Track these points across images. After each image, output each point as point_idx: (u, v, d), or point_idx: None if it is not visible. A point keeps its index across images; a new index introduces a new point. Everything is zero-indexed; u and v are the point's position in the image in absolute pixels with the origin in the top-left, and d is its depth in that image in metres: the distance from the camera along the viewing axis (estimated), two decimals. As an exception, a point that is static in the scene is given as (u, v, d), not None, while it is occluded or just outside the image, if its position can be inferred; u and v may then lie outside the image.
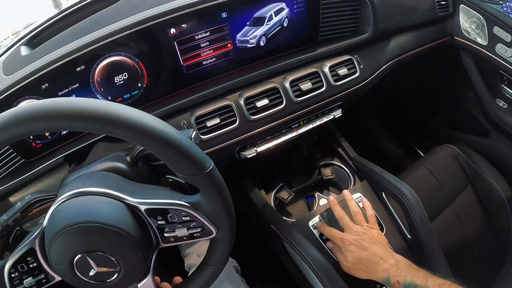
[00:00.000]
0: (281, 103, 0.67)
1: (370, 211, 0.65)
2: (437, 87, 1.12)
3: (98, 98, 0.58)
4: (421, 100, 1.22)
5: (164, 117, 0.61)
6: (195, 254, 0.78)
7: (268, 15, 0.64)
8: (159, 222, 0.40)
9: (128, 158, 0.51)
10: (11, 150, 0.56)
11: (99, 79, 0.56)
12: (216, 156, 0.62)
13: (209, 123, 0.62)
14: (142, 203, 0.39)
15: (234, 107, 0.63)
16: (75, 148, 0.59)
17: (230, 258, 0.67)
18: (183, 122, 0.61)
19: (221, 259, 0.44)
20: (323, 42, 0.74)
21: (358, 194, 0.75)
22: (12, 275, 0.40)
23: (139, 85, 0.60)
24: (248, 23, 0.63)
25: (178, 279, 0.52)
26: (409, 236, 0.69)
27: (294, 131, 0.73)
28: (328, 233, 0.64)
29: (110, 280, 0.40)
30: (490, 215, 0.85)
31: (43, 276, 0.41)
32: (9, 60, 0.61)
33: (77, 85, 0.55)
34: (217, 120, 0.62)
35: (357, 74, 0.75)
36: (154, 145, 0.33)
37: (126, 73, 0.58)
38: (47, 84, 0.53)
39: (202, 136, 0.61)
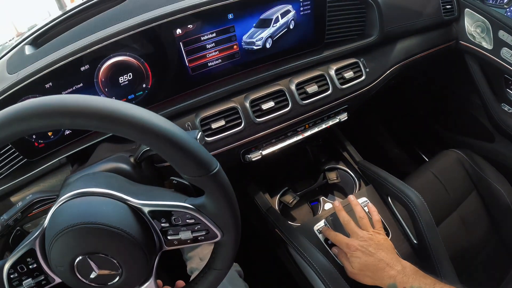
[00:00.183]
0: (287, 105, 0.66)
1: (376, 216, 0.64)
2: (442, 91, 1.12)
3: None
4: (425, 105, 1.22)
5: (169, 119, 0.59)
6: (197, 258, 0.77)
7: (274, 17, 0.63)
8: (162, 225, 0.39)
9: (131, 159, 0.51)
10: (13, 150, 0.55)
11: (103, 79, 0.56)
12: (221, 158, 0.61)
13: (214, 125, 0.61)
14: (146, 205, 0.39)
15: (239, 109, 0.63)
16: (78, 149, 0.58)
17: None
18: (187, 124, 0.60)
19: (225, 263, 0.44)
20: (329, 45, 0.73)
21: (364, 199, 0.74)
22: (11, 276, 0.39)
23: (144, 85, 0.59)
24: (254, 24, 0.63)
25: (180, 283, 0.51)
26: (415, 241, 0.69)
27: (300, 134, 0.72)
28: (334, 238, 0.63)
29: (112, 283, 0.39)
30: (495, 220, 0.84)
31: (42, 277, 0.40)
32: (13, 59, 0.60)
33: (81, 84, 0.55)
34: (222, 122, 0.61)
35: (363, 77, 0.74)
36: (160, 145, 0.32)
37: (131, 74, 0.57)
38: (51, 83, 0.53)
39: (206, 138, 0.61)
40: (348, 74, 0.72)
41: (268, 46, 0.66)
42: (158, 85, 0.60)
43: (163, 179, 0.62)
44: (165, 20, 0.55)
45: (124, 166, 0.49)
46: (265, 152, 0.69)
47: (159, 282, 0.47)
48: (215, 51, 0.61)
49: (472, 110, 1.03)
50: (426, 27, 0.85)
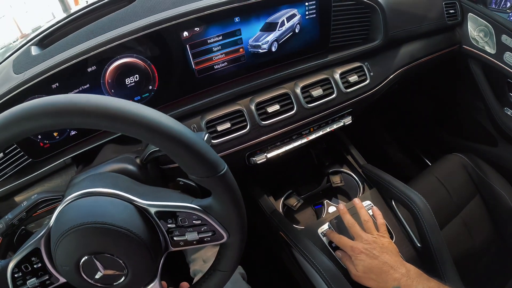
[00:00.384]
0: (292, 109, 0.67)
1: (381, 220, 0.64)
2: (445, 95, 1.13)
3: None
4: (429, 109, 1.22)
5: (175, 120, 0.60)
6: (200, 260, 0.77)
7: (280, 21, 0.64)
8: (169, 226, 0.39)
9: (137, 161, 0.51)
10: (18, 150, 0.55)
11: (110, 80, 0.56)
12: (226, 161, 0.61)
13: (219, 128, 0.61)
14: (152, 205, 0.39)
15: (245, 112, 0.63)
16: (84, 150, 0.58)
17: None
18: (193, 126, 0.61)
19: (230, 265, 0.43)
20: (334, 49, 0.74)
21: (368, 202, 0.74)
22: (16, 275, 0.39)
23: (150, 87, 0.59)
24: (260, 28, 0.63)
25: (185, 285, 0.51)
26: (418, 245, 0.69)
27: (305, 137, 0.72)
28: (338, 241, 0.63)
29: (117, 283, 0.39)
30: (498, 224, 0.84)
31: (47, 277, 0.40)
32: (20, 59, 0.60)
33: (88, 85, 0.55)
34: (227, 125, 0.62)
35: (367, 81, 0.75)
36: (169, 146, 0.33)
37: (137, 75, 0.57)
38: (57, 84, 0.53)
39: (212, 141, 0.61)
40: (353, 78, 0.72)
41: (273, 49, 0.66)
42: (164, 87, 0.60)
43: (168, 180, 0.62)
44: (173, 23, 0.55)
45: (130, 167, 0.49)
46: (270, 155, 0.69)
47: (164, 283, 0.47)
48: (221, 54, 0.62)
49: (475, 114, 1.03)
50: (430, 32, 0.86)
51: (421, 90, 1.19)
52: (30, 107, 0.29)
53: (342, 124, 0.75)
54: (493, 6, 0.82)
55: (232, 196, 0.37)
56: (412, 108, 1.27)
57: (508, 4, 0.79)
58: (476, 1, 0.86)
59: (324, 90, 0.69)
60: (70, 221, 0.36)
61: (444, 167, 0.88)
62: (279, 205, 0.80)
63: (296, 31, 0.67)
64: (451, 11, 0.88)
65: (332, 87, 0.70)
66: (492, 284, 0.79)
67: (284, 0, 0.62)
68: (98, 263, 0.37)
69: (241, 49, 0.63)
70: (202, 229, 0.39)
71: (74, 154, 0.58)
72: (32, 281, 0.39)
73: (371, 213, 0.67)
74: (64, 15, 0.79)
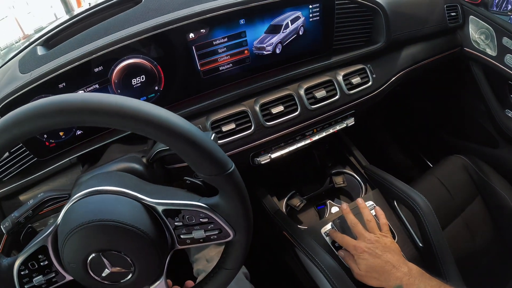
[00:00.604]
0: (295, 110, 0.67)
1: (384, 220, 0.65)
2: (447, 97, 1.13)
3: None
4: (430, 111, 1.23)
5: (180, 121, 0.61)
6: (204, 260, 0.78)
7: (284, 23, 0.64)
8: (176, 224, 0.40)
9: (144, 160, 0.51)
10: (24, 149, 0.56)
11: (116, 81, 0.57)
12: (230, 161, 0.62)
13: (224, 128, 0.62)
14: (160, 204, 0.39)
15: (249, 113, 0.64)
16: (89, 149, 0.59)
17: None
18: (199, 126, 0.61)
19: (236, 263, 0.44)
20: (337, 51, 0.74)
21: (370, 202, 0.75)
22: (22, 273, 0.39)
23: (156, 88, 0.60)
24: (265, 30, 0.64)
25: (190, 283, 0.51)
26: (420, 245, 0.69)
27: (308, 138, 0.73)
28: (341, 240, 0.64)
29: (124, 280, 0.39)
30: (499, 224, 0.85)
31: (53, 274, 0.40)
32: (26, 59, 0.61)
33: (94, 85, 0.56)
34: (232, 125, 0.62)
35: (370, 83, 0.75)
36: (178, 144, 0.33)
37: (143, 76, 0.58)
38: (64, 83, 0.54)
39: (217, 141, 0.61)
40: (356, 80, 0.73)
41: (278, 51, 0.67)
42: (170, 88, 0.61)
43: (172, 180, 0.63)
44: (179, 24, 0.56)
45: (137, 166, 0.50)
46: (274, 155, 0.70)
47: (169, 281, 0.47)
48: (226, 56, 0.62)
49: (477, 116, 1.04)
50: (431, 34, 0.87)
51: (423, 92, 1.20)
52: (44, 104, 0.30)
53: (345, 125, 0.76)
54: (495, 8, 0.83)
55: (239, 194, 0.38)
56: (414, 109, 1.28)
57: (509, 7, 0.80)
58: (477, 3, 0.87)
59: (327, 92, 0.70)
60: (79, 219, 0.36)
61: (446, 168, 0.89)
62: (282, 205, 0.81)
63: (300, 33, 0.67)
64: (452, 14, 0.89)
65: (335, 89, 0.71)
66: (494, 284, 0.79)
67: (288, 3, 0.63)
68: (105, 261, 0.37)
69: (246, 51, 0.64)
70: (209, 227, 0.40)
71: (79, 153, 0.58)
72: (38, 278, 0.40)
73: (373, 213, 0.67)
74: (67, 16, 0.79)
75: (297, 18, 0.66)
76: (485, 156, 0.96)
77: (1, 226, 0.43)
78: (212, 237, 0.40)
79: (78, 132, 0.59)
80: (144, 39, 0.55)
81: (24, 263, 0.39)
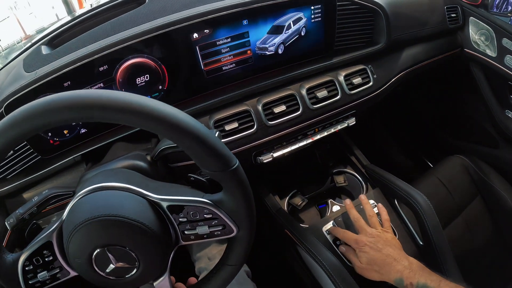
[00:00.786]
0: (297, 109, 0.68)
1: (385, 216, 0.66)
2: (447, 98, 1.14)
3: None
4: (431, 111, 1.23)
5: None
6: (206, 258, 0.78)
7: (287, 24, 0.65)
8: (180, 219, 0.40)
9: (148, 157, 0.52)
10: (28, 147, 0.56)
11: (121, 80, 0.57)
12: (233, 160, 0.63)
13: (227, 127, 0.62)
14: (165, 200, 0.40)
15: (252, 112, 0.64)
16: (93, 147, 0.59)
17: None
18: (202, 125, 0.62)
19: (239, 259, 0.44)
20: (338, 52, 0.75)
21: (371, 201, 0.75)
22: (27, 268, 0.40)
23: (160, 87, 0.61)
24: (267, 31, 0.64)
25: (193, 280, 0.51)
26: (421, 243, 0.70)
27: (309, 137, 0.74)
28: (342, 235, 0.64)
29: (128, 276, 0.39)
30: (499, 224, 0.85)
31: (58, 270, 0.41)
32: (30, 58, 0.62)
33: (99, 84, 0.56)
34: (235, 124, 0.63)
35: (371, 83, 0.76)
36: (185, 140, 0.34)
37: (148, 75, 0.59)
38: (69, 82, 0.54)
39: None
40: (357, 80, 0.74)
41: (280, 52, 0.67)
42: (174, 87, 0.61)
43: (176, 178, 0.63)
44: (183, 25, 0.56)
45: (141, 163, 0.51)
46: (276, 154, 0.70)
47: (172, 278, 0.48)
48: (229, 56, 0.63)
49: (477, 117, 1.04)
50: (432, 35, 0.87)
51: (424, 92, 1.20)
52: (56, 99, 0.31)
53: (346, 125, 0.77)
54: (495, 10, 0.83)
55: (243, 190, 0.38)
56: (415, 110, 1.28)
57: (510, 8, 0.80)
58: (477, 5, 0.87)
59: (328, 92, 0.71)
60: (85, 214, 0.37)
61: (446, 168, 0.89)
62: (284, 204, 0.81)
63: (302, 34, 0.68)
64: (452, 15, 0.89)
65: (336, 89, 0.72)
66: (494, 283, 0.80)
67: (291, 4, 0.63)
68: (110, 256, 0.37)
69: (248, 51, 0.65)
70: (213, 223, 0.40)
71: (83, 151, 0.59)
72: (42, 274, 0.40)
73: (376, 211, 0.68)
74: (68, 17, 0.80)
75: (299, 19, 0.66)
76: (485, 156, 0.96)
77: (6, 222, 0.43)
78: (215, 233, 0.41)
79: (82, 131, 0.59)
80: (149, 39, 0.55)
81: (28, 259, 0.40)
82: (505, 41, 0.82)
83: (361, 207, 0.68)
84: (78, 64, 0.53)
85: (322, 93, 0.69)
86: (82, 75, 0.54)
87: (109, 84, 0.57)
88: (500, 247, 0.84)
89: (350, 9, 0.72)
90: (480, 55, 0.89)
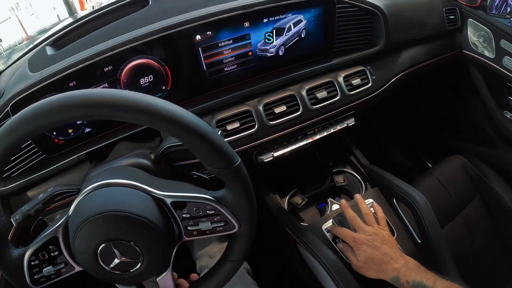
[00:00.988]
0: (298, 110, 0.69)
1: (381, 214, 0.67)
2: (446, 99, 1.15)
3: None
4: (430, 112, 1.24)
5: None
6: (207, 256, 0.79)
7: (287, 26, 0.66)
8: (184, 215, 0.41)
9: (152, 156, 0.53)
10: (33, 145, 0.57)
11: (125, 80, 0.58)
12: (234, 159, 0.64)
13: (229, 127, 0.64)
14: (169, 196, 0.41)
15: (253, 112, 0.65)
16: (98, 146, 0.60)
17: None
18: (204, 125, 0.63)
19: (240, 255, 0.45)
20: (337, 53, 0.76)
21: (370, 200, 0.76)
22: (32, 263, 0.40)
23: (163, 87, 0.62)
24: (268, 33, 0.65)
25: (194, 276, 0.52)
26: (419, 241, 0.71)
27: (309, 137, 0.75)
28: (340, 233, 0.65)
29: (132, 270, 0.40)
30: (498, 224, 0.86)
31: (63, 265, 0.42)
32: (35, 59, 0.63)
33: (104, 84, 0.57)
34: (236, 124, 0.64)
35: (370, 84, 0.77)
36: (190, 138, 0.35)
37: (151, 76, 0.60)
38: (74, 82, 0.55)
39: (222, 138, 0.63)
40: (356, 81, 0.75)
41: (280, 53, 0.69)
42: (177, 87, 0.63)
43: (178, 177, 0.64)
44: (186, 27, 0.58)
45: (145, 161, 0.52)
46: (276, 153, 0.71)
47: (174, 274, 0.48)
48: (231, 57, 0.64)
49: (475, 117, 1.05)
50: (430, 37, 0.88)
51: (423, 93, 1.21)
52: (64, 98, 0.32)
53: (345, 125, 0.78)
54: (494, 11, 0.84)
55: (244, 187, 0.39)
56: (414, 110, 1.29)
57: (509, 9, 0.80)
58: (475, 7, 0.88)
59: (328, 93, 0.72)
60: (91, 210, 0.38)
61: (445, 168, 0.90)
62: (284, 203, 0.82)
63: (302, 36, 0.69)
64: (451, 17, 0.90)
65: (336, 90, 0.73)
66: (492, 283, 0.80)
67: (291, 7, 0.64)
68: (115, 250, 0.38)
69: (250, 53, 0.66)
70: (215, 219, 0.41)
71: (88, 150, 0.60)
72: (48, 269, 0.41)
73: (372, 210, 0.69)
74: (70, 18, 0.81)
75: (300, 21, 0.67)
76: (484, 156, 0.97)
77: (12, 219, 0.44)
78: (218, 229, 0.42)
79: (87, 130, 0.60)
80: (153, 41, 0.57)
81: (34, 254, 0.40)
82: (503, 43, 0.83)
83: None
84: (84, 64, 0.54)
85: (321, 94, 0.71)
86: (87, 75, 0.56)
87: (114, 84, 0.58)
88: (498, 246, 0.84)
89: (349, 11, 0.73)
90: (478, 56, 0.90)
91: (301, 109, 0.69)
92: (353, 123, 0.79)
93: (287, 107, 0.68)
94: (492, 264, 0.82)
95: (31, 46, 0.80)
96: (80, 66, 0.54)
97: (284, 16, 0.65)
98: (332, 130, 0.76)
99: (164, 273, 0.44)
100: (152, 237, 0.39)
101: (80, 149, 0.60)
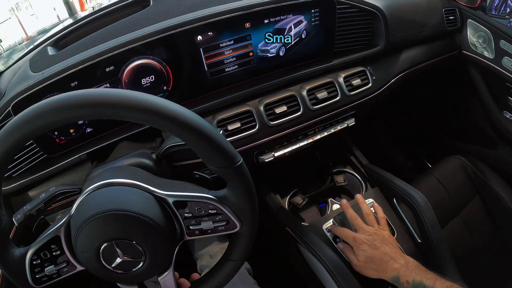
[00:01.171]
0: (298, 110, 0.69)
1: (381, 214, 0.67)
2: (446, 99, 1.15)
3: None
4: (429, 112, 1.24)
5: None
6: (207, 256, 0.79)
7: (288, 27, 0.67)
8: (186, 215, 0.41)
9: (153, 156, 0.53)
10: (34, 145, 0.57)
11: (126, 80, 0.58)
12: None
13: (230, 127, 0.64)
14: (171, 195, 0.41)
15: (254, 112, 0.66)
16: (99, 146, 0.60)
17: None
18: (206, 125, 0.63)
19: (242, 254, 0.45)
20: (338, 54, 0.76)
21: (370, 200, 0.76)
22: (34, 262, 0.41)
23: (165, 88, 0.62)
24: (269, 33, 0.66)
25: (196, 276, 0.52)
26: (419, 240, 0.71)
27: (310, 137, 0.75)
28: (341, 233, 0.66)
29: (134, 269, 0.40)
30: (498, 224, 0.86)
31: (65, 264, 0.42)
32: (37, 59, 0.63)
33: (106, 84, 0.58)
34: (237, 124, 0.64)
35: (370, 85, 0.77)
36: (193, 137, 0.35)
37: (153, 76, 0.60)
38: (76, 82, 0.55)
39: (223, 138, 0.63)
40: (356, 82, 0.75)
41: (281, 54, 0.69)
42: (178, 87, 0.63)
43: (179, 177, 0.64)
44: (187, 27, 0.58)
45: (147, 161, 0.52)
46: (277, 153, 0.72)
47: (176, 273, 0.49)
48: (232, 58, 0.64)
49: (475, 118, 1.05)
50: (430, 37, 0.89)
51: (422, 93, 1.21)
52: (68, 98, 0.32)
53: (345, 125, 0.78)
54: (493, 12, 0.84)
55: (246, 186, 0.40)
56: (413, 111, 1.30)
57: (508, 10, 0.80)
58: (475, 7, 0.88)
59: (328, 93, 0.72)
60: (93, 209, 0.38)
61: (444, 168, 0.90)
62: (285, 203, 0.83)
63: (303, 36, 0.70)
64: (450, 18, 0.91)
65: (336, 90, 0.73)
66: (492, 282, 0.81)
67: (292, 8, 0.65)
68: (117, 250, 0.38)
69: (251, 53, 0.66)
70: (217, 218, 0.41)
71: (89, 150, 0.60)
72: (50, 268, 0.41)
73: (373, 210, 0.69)
74: (70, 18, 0.81)
75: (300, 22, 0.68)
76: (484, 156, 0.97)
77: (13, 219, 0.44)
78: (219, 228, 0.42)
79: (88, 130, 0.60)
80: (154, 41, 0.57)
81: (36, 253, 0.40)
82: (502, 43, 0.83)
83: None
84: (85, 64, 0.54)
85: (322, 94, 0.71)
86: (89, 75, 0.56)
87: (115, 84, 0.58)
88: (498, 246, 0.84)
89: (350, 12, 0.73)
90: (478, 57, 0.90)
91: (301, 109, 0.69)
92: (353, 123, 0.79)
93: (288, 107, 0.68)
94: (492, 264, 0.82)
95: (32, 46, 0.80)
96: (82, 66, 0.54)
97: (284, 17, 0.65)
98: (332, 130, 0.77)
99: (166, 273, 0.44)
100: (154, 236, 0.39)
101: (82, 149, 0.60)
